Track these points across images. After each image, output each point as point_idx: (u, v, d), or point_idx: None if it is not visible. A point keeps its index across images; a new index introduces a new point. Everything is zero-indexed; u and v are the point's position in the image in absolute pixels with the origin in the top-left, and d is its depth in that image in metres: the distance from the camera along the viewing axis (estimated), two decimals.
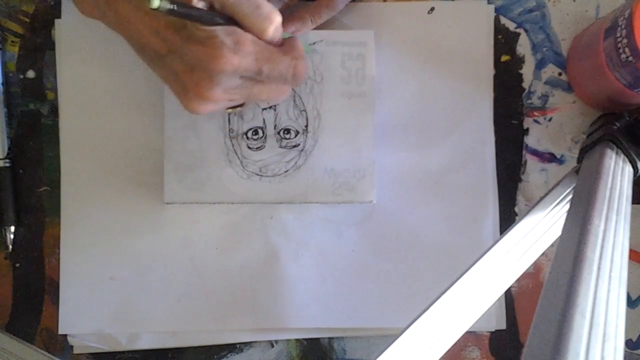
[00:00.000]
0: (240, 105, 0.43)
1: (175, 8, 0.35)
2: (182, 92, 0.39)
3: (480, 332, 0.50)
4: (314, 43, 0.48)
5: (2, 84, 0.50)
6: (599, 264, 0.29)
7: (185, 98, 0.39)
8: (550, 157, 0.51)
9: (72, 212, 0.49)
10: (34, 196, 0.50)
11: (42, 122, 0.50)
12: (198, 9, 0.37)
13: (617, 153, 0.42)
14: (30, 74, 0.51)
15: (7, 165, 0.49)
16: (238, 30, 0.38)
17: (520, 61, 0.51)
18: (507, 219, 0.50)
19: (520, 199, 0.51)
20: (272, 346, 0.50)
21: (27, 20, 0.50)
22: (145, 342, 0.49)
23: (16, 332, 0.49)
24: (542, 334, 0.24)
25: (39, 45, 0.50)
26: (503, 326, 0.50)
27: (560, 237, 0.34)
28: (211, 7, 0.37)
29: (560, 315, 0.25)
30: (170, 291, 0.49)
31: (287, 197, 0.48)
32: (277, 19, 0.39)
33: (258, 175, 0.48)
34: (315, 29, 0.48)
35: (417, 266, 0.49)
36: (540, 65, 0.51)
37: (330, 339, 0.50)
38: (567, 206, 0.40)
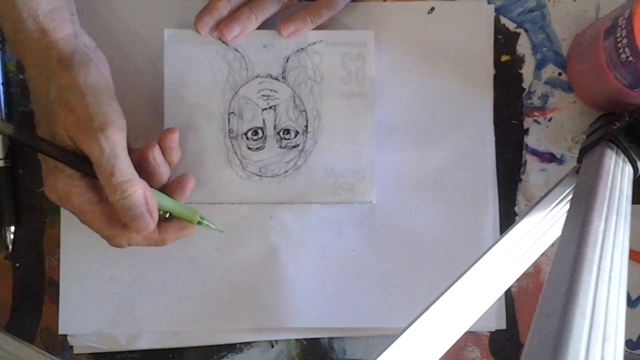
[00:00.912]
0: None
1: (16, 135, 0.40)
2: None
3: (480, 332, 0.50)
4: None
5: (2, 84, 0.50)
6: (599, 264, 0.29)
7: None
8: (550, 157, 0.51)
9: None
10: (34, 196, 0.50)
11: None
12: (49, 143, 0.40)
13: (617, 153, 0.42)
14: None
15: (7, 165, 0.49)
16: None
17: (520, 61, 0.51)
18: (507, 219, 0.50)
19: (520, 199, 0.51)
20: (272, 346, 0.50)
21: None
22: (145, 342, 0.49)
23: (16, 332, 0.49)
24: (542, 334, 0.24)
25: None
26: (503, 326, 0.50)
27: (560, 237, 0.34)
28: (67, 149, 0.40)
29: (560, 315, 0.25)
30: (170, 291, 0.49)
31: (287, 198, 0.48)
32: (129, 190, 0.40)
33: (258, 175, 0.48)
34: (315, 29, 0.48)
35: (417, 266, 0.49)
36: (540, 65, 0.51)
37: (330, 339, 0.50)
38: (567, 206, 0.40)
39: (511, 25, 0.51)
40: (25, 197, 0.50)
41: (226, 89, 0.48)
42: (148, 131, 0.49)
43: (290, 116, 0.48)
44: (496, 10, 0.51)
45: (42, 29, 0.40)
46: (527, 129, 0.51)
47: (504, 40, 0.51)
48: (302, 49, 0.48)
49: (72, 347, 0.49)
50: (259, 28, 0.48)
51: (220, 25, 0.47)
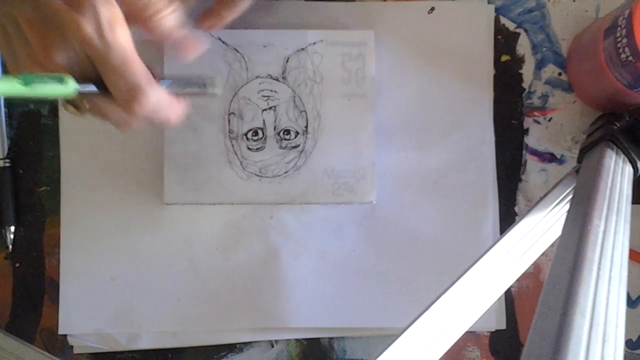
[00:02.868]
0: (77, 108, 0.36)
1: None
2: (17, 45, 0.34)
3: (480, 332, 0.50)
4: (314, 43, 0.48)
5: None
6: (599, 264, 0.29)
7: (21, 53, 0.34)
8: (550, 157, 0.51)
9: (72, 212, 0.49)
10: (34, 196, 0.50)
11: (42, 122, 0.50)
12: None
13: (617, 153, 0.42)
14: None
15: (7, 165, 0.49)
16: (119, 14, 0.34)
17: (520, 61, 0.51)
18: (507, 219, 0.50)
19: (520, 199, 0.51)
20: (272, 346, 0.50)
21: None
22: (145, 342, 0.49)
23: (16, 332, 0.49)
24: (542, 334, 0.24)
25: None
26: (503, 326, 0.50)
27: (560, 237, 0.34)
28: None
29: (560, 315, 0.25)
30: (170, 291, 0.49)
31: (287, 198, 0.48)
32: (151, 94, 0.35)
33: (258, 176, 0.48)
34: (314, 29, 0.48)
35: (417, 266, 0.49)
36: (540, 65, 0.51)
37: (330, 339, 0.50)
38: (567, 206, 0.40)
39: (511, 25, 0.51)
40: (25, 197, 0.50)
41: (226, 90, 0.48)
42: (147, 131, 0.49)
43: (290, 116, 0.48)
44: (496, 10, 0.51)
45: None
46: (527, 129, 0.51)
47: (504, 40, 0.51)
48: (302, 49, 0.48)
49: (72, 347, 0.49)
50: (258, 28, 0.48)
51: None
